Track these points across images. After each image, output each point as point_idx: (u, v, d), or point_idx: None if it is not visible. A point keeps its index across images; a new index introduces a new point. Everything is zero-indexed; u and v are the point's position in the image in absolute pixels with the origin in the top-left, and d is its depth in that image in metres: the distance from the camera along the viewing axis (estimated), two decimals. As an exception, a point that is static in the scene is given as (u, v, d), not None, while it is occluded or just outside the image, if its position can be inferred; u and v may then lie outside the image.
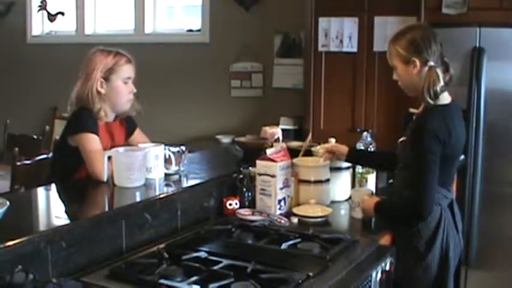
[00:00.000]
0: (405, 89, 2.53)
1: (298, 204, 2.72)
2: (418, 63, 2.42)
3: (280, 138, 3.21)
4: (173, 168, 2.70)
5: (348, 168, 2.92)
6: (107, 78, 2.76)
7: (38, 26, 6.60)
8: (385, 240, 2.49)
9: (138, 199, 2.35)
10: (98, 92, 2.75)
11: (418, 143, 2.37)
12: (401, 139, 2.55)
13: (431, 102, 2.40)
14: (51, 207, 2.38)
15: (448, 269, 2.47)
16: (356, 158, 2.85)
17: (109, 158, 2.49)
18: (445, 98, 2.47)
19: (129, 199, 2.34)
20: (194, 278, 1.88)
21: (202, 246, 2.17)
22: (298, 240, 2.26)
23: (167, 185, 2.56)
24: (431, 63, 2.41)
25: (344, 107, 4.32)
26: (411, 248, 2.45)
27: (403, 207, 2.44)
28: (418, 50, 2.42)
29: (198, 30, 5.67)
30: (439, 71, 2.42)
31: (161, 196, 2.41)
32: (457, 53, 3.59)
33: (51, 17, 6.51)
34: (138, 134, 3.00)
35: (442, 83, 2.41)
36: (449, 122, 2.40)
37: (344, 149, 2.81)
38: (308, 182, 2.77)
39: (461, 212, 2.66)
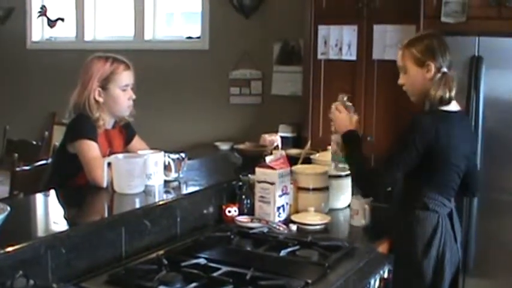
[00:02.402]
0: (411, 92, 2.54)
1: (297, 212, 2.73)
2: (432, 67, 2.45)
3: (279, 145, 3.22)
4: (173, 175, 2.70)
5: (347, 176, 2.92)
6: (104, 87, 2.75)
7: (38, 31, 6.61)
8: (383, 247, 2.50)
9: (137, 205, 2.36)
10: (96, 101, 2.74)
11: (404, 129, 2.42)
12: None
13: (438, 107, 2.43)
14: (50, 213, 2.38)
15: (443, 279, 2.46)
16: None
17: (109, 164, 2.49)
18: (451, 105, 2.48)
19: (129, 205, 2.35)
20: (193, 285, 1.88)
21: (202, 252, 2.17)
22: (297, 247, 2.27)
23: (167, 192, 2.57)
24: (445, 69, 2.45)
25: (343, 114, 4.32)
26: (407, 255, 2.46)
27: (369, 168, 2.54)
28: (434, 55, 2.46)
29: (198, 37, 5.67)
30: (454, 78, 2.46)
31: (161, 203, 2.41)
32: (455, 61, 3.54)
33: (51, 23, 6.51)
34: (137, 141, 3.00)
35: (454, 90, 2.45)
36: (442, 126, 2.39)
37: None
38: (307, 189, 2.77)
39: (460, 221, 2.66)
